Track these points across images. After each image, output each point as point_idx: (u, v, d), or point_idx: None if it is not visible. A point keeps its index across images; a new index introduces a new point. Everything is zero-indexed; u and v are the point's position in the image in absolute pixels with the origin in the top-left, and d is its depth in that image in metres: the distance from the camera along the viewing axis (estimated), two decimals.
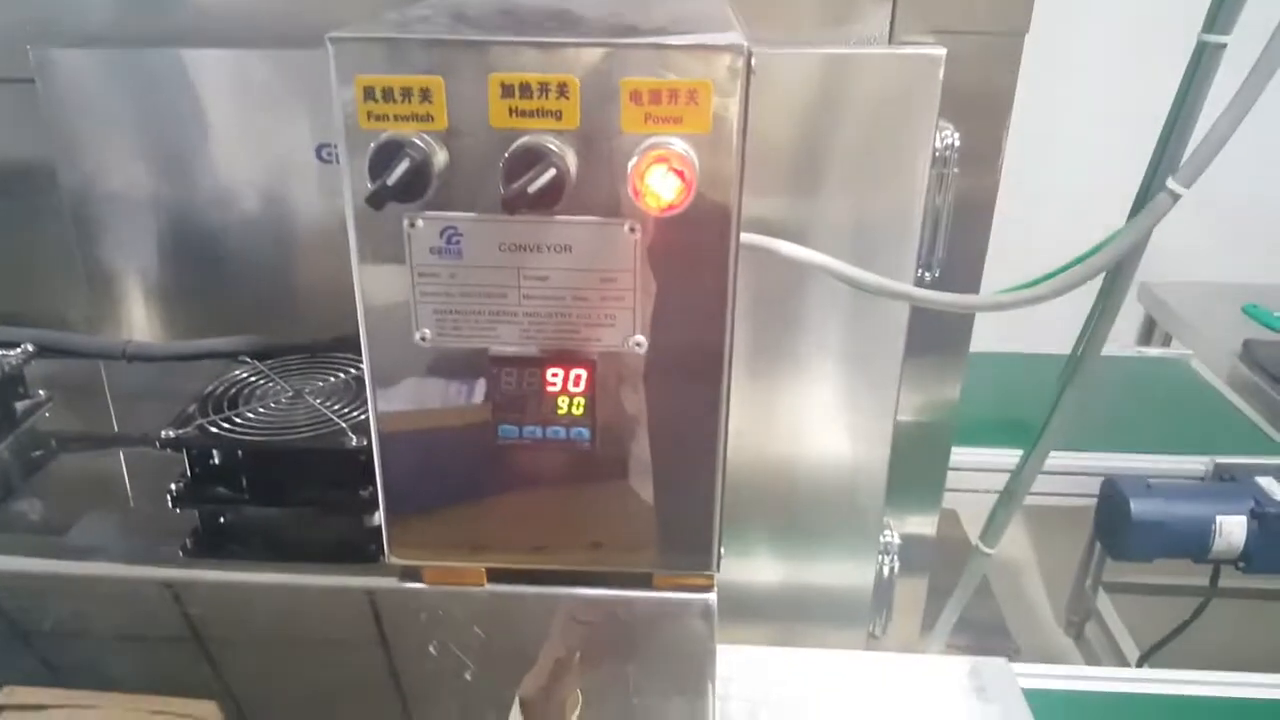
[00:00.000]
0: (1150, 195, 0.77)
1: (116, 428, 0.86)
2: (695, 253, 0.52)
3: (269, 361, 0.80)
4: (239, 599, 0.64)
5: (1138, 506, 1.31)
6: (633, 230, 0.51)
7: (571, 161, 0.49)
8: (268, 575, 0.63)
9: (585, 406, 0.55)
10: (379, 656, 0.63)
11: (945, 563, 2.11)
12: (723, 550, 0.62)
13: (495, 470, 0.58)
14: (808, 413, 1.10)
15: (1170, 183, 0.75)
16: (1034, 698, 0.90)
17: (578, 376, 0.54)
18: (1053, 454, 1.52)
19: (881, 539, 1.23)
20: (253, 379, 0.77)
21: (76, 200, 1.01)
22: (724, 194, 0.51)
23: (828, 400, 1.09)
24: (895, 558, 1.24)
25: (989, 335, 1.58)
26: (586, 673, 0.62)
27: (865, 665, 0.88)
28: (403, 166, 0.47)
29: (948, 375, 1.19)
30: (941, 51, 0.90)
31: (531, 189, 0.47)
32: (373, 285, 0.54)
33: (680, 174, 0.48)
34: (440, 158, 0.49)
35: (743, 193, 0.51)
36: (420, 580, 0.62)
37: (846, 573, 1.25)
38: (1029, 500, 2.06)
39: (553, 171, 0.47)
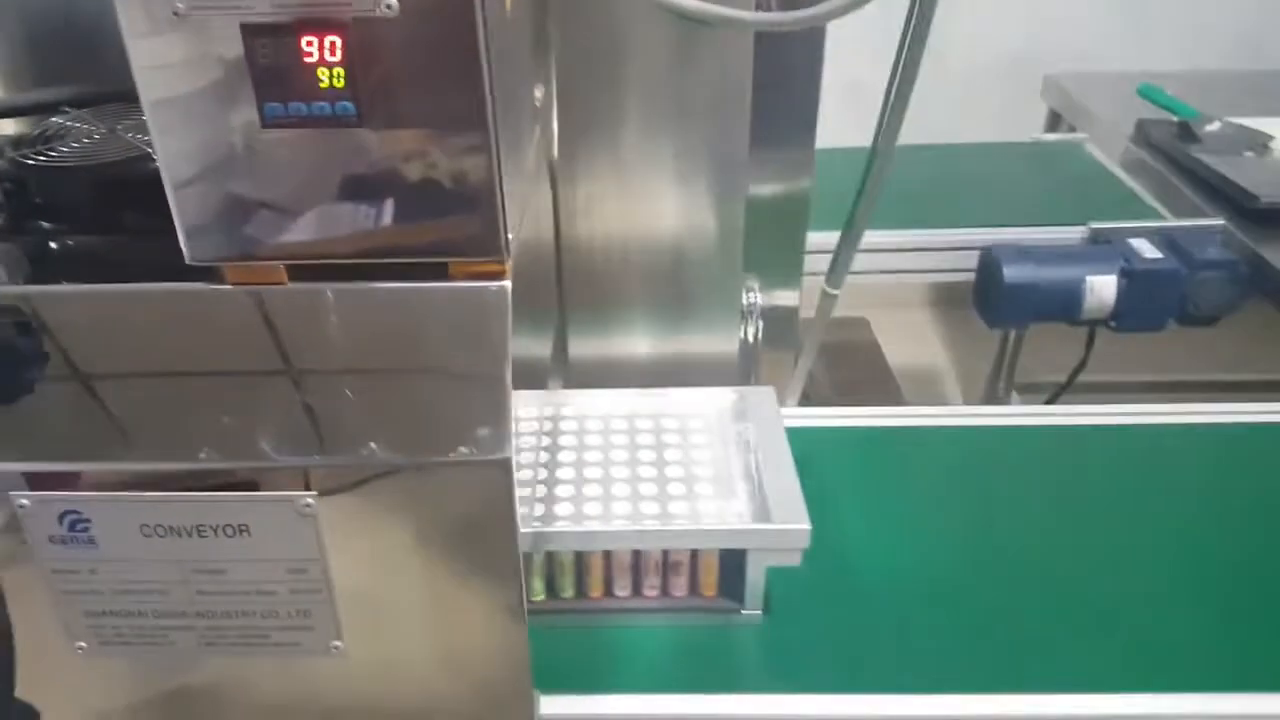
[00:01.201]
0: None
1: None
2: None
3: (89, 110, 0.79)
4: (53, 316, 0.66)
5: (1010, 271, 1.36)
6: None
7: None
8: (70, 288, 0.65)
9: (345, 77, 0.56)
10: (195, 359, 0.66)
11: (854, 364, 2.17)
12: (510, 236, 0.64)
13: (272, 157, 0.59)
14: (659, 169, 1.12)
15: None
16: (800, 433, 0.95)
17: (332, 44, 0.55)
18: (939, 231, 1.56)
19: (744, 301, 1.28)
20: (69, 123, 0.77)
21: None
22: None
23: (679, 155, 1.11)
24: (759, 319, 1.29)
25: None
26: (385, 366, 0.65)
27: (645, 398, 0.92)
28: None
29: (797, 156, 1.21)
30: None
31: None
32: None
33: None
34: None
35: None
36: (224, 282, 0.64)
37: (713, 340, 1.29)
38: (932, 290, 2.10)
39: None
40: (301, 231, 0.63)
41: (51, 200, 0.72)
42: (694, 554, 0.74)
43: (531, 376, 0.95)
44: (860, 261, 1.56)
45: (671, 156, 1.11)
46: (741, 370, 1.38)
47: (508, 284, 0.65)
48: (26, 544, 0.66)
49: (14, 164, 0.71)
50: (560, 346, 1.20)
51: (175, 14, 0.55)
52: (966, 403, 2.31)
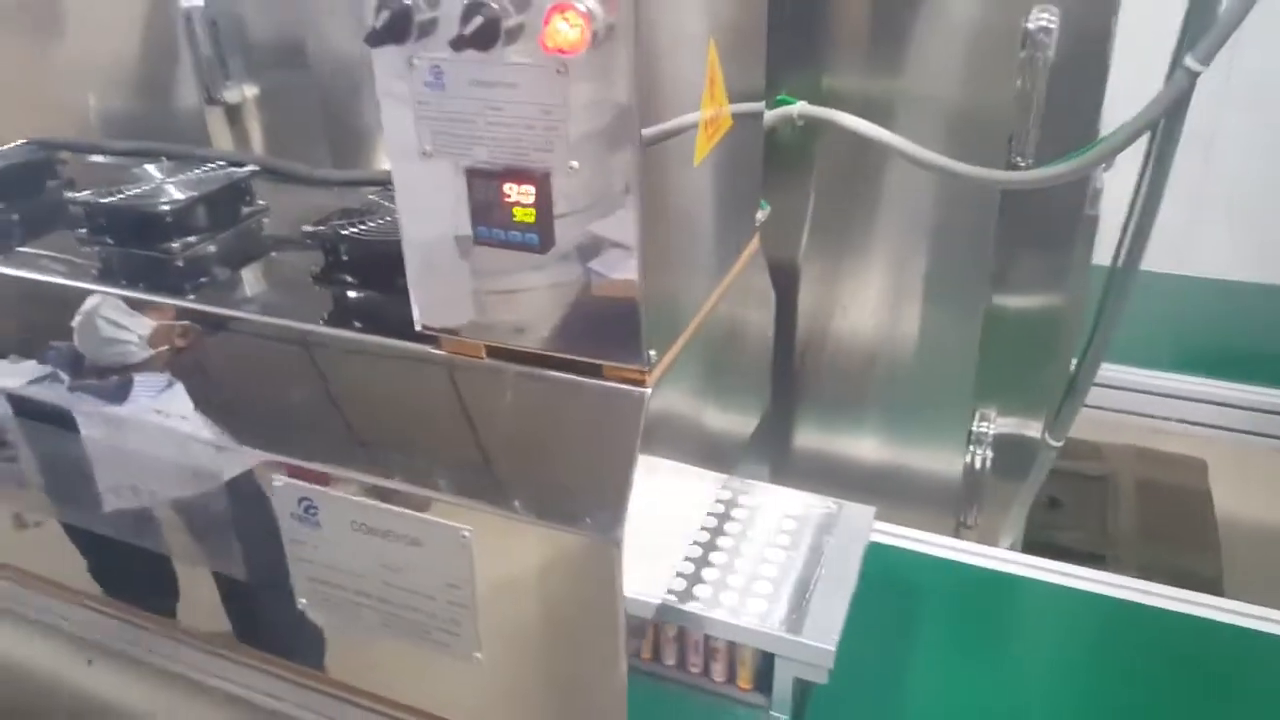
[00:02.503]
0: (1171, 73, 0.75)
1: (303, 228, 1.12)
2: (608, 93, 0.65)
3: None
4: (323, 348, 0.88)
5: None
6: (560, 71, 0.65)
7: (513, 15, 0.63)
8: (333, 330, 0.87)
9: (534, 216, 0.70)
10: (407, 401, 0.84)
11: (1173, 510, 1.95)
12: (653, 353, 0.74)
13: (479, 264, 0.75)
14: (899, 288, 1.15)
15: (1188, 60, 0.73)
16: (893, 554, 0.93)
17: (527, 190, 0.69)
18: None
19: (973, 428, 1.26)
20: (382, 201, 1.00)
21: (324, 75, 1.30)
22: (625, 45, 0.62)
23: (918, 278, 1.14)
24: (988, 450, 1.25)
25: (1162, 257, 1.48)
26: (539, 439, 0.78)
27: (751, 493, 0.93)
28: (385, 15, 0.64)
29: (1057, 278, 1.17)
30: None
31: (467, 31, 0.62)
32: (392, 114, 0.72)
33: (578, 20, 0.61)
34: (423, 11, 0.65)
35: (640, 44, 0.62)
36: (439, 348, 0.82)
37: (935, 459, 1.29)
38: None
39: (480, 19, 0.62)
40: (495, 322, 0.78)
41: (351, 261, 0.94)
42: (731, 645, 0.79)
43: (721, 455, 1.04)
44: (1196, 412, 1.44)
45: (910, 273, 1.14)
46: (963, 494, 1.35)
47: (647, 391, 0.76)
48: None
49: (333, 230, 0.94)
50: (770, 432, 1.26)
51: (424, 153, 0.72)
52: None
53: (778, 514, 0.89)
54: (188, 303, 0.96)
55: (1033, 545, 1.41)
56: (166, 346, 0.90)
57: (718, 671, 0.82)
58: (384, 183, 1.08)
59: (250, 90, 1.42)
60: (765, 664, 0.79)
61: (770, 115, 0.99)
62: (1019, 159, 1.00)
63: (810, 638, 0.75)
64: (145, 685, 1.23)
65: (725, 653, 0.81)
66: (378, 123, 1.28)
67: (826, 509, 0.89)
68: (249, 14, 1.37)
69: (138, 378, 0.92)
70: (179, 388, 0.91)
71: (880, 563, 1.04)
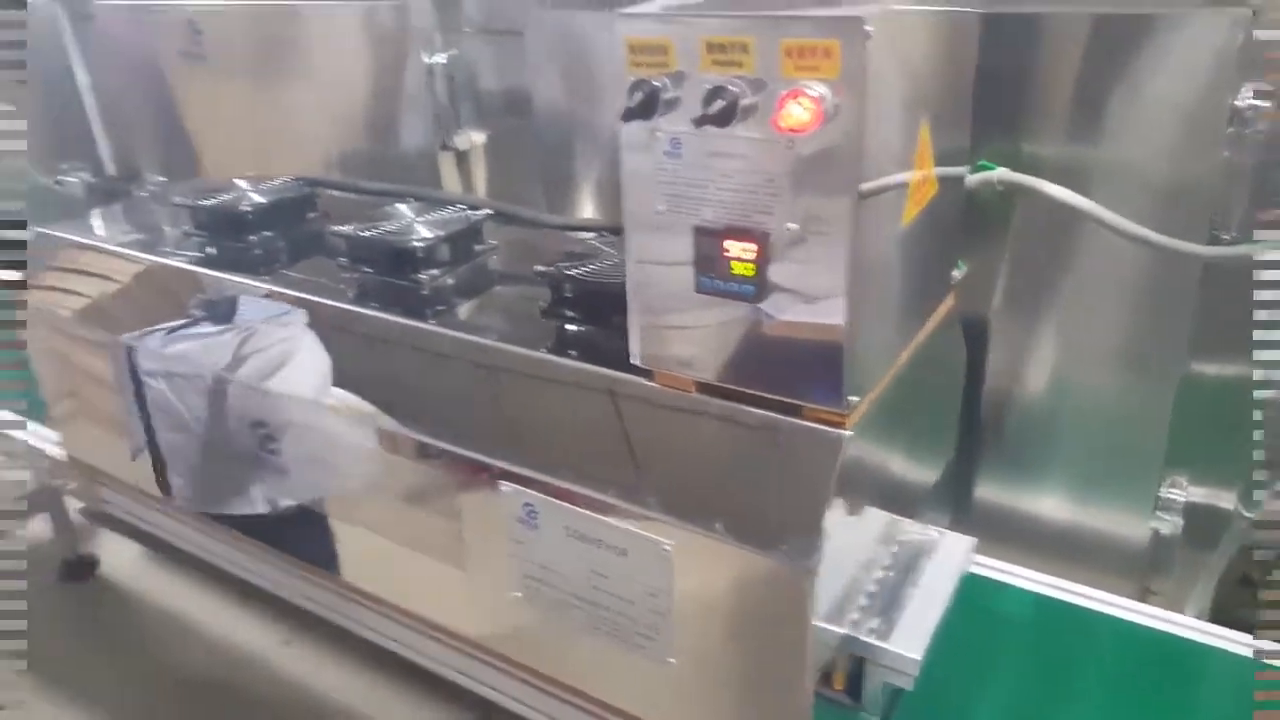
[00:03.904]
0: None
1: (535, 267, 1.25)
2: (830, 166, 0.73)
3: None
4: (548, 375, 1.00)
5: None
6: (788, 146, 0.74)
7: (749, 96, 0.73)
8: (558, 359, 0.98)
9: (752, 270, 0.79)
10: (620, 425, 0.95)
11: None
12: (852, 398, 0.81)
13: (695, 310, 0.85)
14: (1090, 350, 1.17)
15: None
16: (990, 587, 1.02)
17: (746, 247, 0.78)
18: None
19: (1163, 494, 1.24)
20: (603, 246, 1.12)
21: (545, 124, 1.45)
22: (850, 124, 0.70)
23: (1111, 341, 1.15)
24: (1178, 517, 1.24)
25: None
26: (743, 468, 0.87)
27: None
28: (639, 95, 0.75)
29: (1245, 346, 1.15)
30: (1246, 12, 0.92)
31: (709, 111, 0.72)
32: (632, 177, 0.83)
33: (810, 104, 0.69)
34: (669, 92, 0.76)
35: (865, 123, 0.70)
36: (653, 380, 0.92)
37: (1121, 523, 1.28)
38: None
39: (722, 102, 0.72)
40: (708, 360, 0.87)
41: (573, 299, 1.06)
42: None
43: (905, 499, 1.08)
44: None
45: (1103, 335, 1.16)
46: (1150, 561, 1.33)
47: (845, 433, 0.83)
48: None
49: (559, 271, 1.06)
50: (953, 482, 1.29)
51: (657, 211, 0.83)
52: None
53: (886, 538, 0.98)
54: (430, 326, 1.11)
55: (1221, 622, 1.37)
56: None
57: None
58: (600, 229, 1.20)
59: (478, 137, 1.59)
60: (857, 668, 0.87)
61: (972, 180, 1.04)
62: (1224, 233, 1.01)
63: (897, 646, 0.82)
64: (341, 669, 1.38)
65: None
66: (586, 171, 1.44)
67: (928, 535, 0.96)
68: (482, 69, 1.54)
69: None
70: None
71: (1025, 609, 1.08)
